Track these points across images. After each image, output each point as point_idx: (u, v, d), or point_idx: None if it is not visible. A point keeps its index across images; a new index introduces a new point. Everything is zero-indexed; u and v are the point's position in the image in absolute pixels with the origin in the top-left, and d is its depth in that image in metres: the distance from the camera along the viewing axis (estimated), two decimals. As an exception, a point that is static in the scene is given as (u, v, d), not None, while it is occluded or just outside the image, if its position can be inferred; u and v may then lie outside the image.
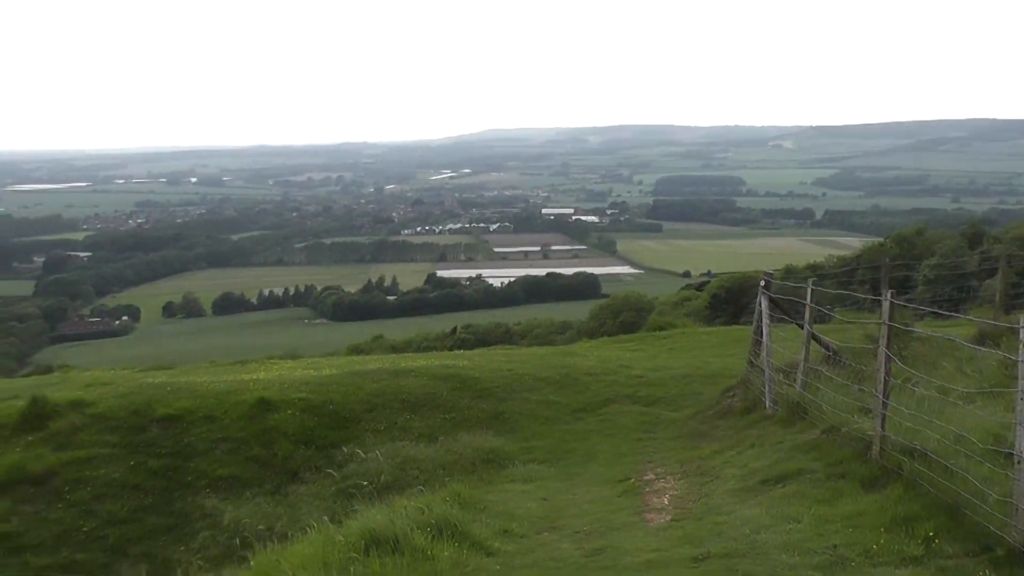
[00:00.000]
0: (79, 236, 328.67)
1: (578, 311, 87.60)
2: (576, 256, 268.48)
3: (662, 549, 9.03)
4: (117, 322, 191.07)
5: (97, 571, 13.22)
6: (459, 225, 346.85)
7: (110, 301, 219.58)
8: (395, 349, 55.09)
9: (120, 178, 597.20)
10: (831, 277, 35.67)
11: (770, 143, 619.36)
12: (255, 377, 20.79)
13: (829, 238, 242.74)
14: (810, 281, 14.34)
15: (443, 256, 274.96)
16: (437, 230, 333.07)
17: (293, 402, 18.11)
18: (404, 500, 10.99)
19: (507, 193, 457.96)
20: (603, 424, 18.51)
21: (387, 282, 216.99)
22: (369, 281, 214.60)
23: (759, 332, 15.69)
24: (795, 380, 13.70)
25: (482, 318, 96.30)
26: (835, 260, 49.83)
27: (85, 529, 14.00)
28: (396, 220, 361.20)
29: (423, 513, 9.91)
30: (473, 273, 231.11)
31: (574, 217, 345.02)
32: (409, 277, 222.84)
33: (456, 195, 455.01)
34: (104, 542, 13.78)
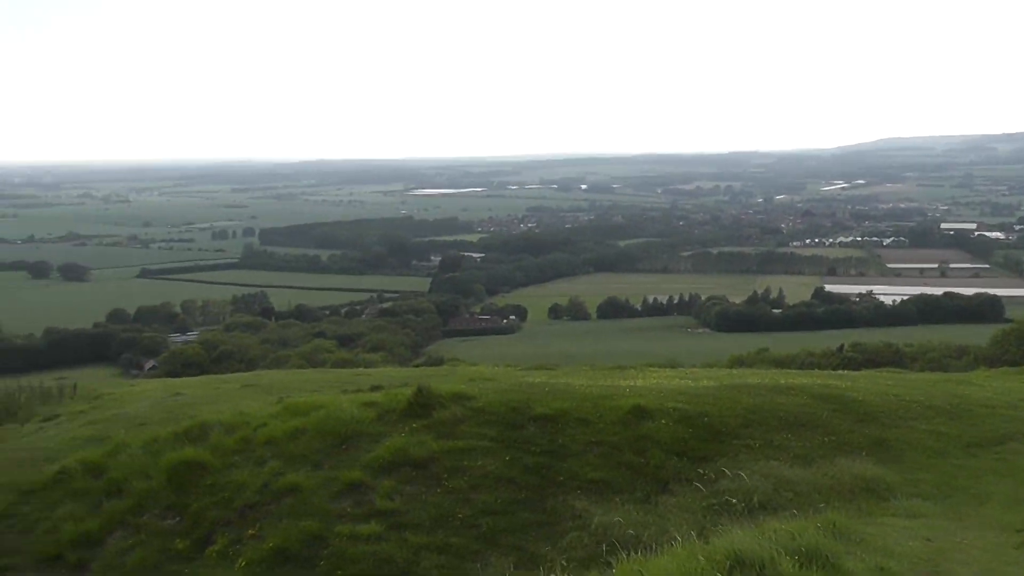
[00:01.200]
0: (473, 238, 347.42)
1: (977, 335, 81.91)
2: (977, 275, 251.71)
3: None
4: (505, 320, 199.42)
5: (469, 556, 13.60)
6: (850, 238, 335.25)
7: (499, 300, 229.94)
8: (778, 364, 53.87)
9: (513, 184, 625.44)
10: None
11: None
12: (632, 383, 20.78)
13: None
14: None
15: (832, 270, 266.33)
16: (827, 243, 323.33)
17: (668, 411, 17.90)
18: (775, 523, 10.49)
19: (902, 206, 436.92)
20: (999, 463, 16.92)
21: (773, 294, 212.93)
22: (754, 292, 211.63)
23: None
24: None
25: (871, 336, 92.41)
26: None
27: (460, 515, 14.47)
28: (784, 231, 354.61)
29: (794, 539, 9.38)
30: (863, 289, 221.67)
31: (976, 233, 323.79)
32: (796, 290, 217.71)
33: (848, 207, 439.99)
34: (477, 530, 14.16)
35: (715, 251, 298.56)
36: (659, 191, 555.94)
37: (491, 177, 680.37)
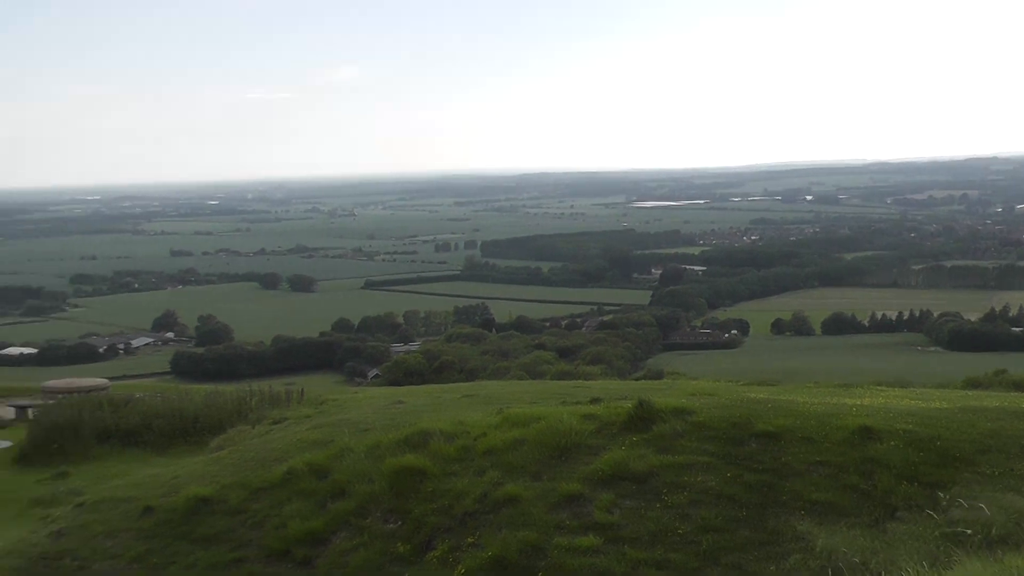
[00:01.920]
0: (695, 251, 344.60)
1: None
2: None
3: None
4: (726, 335, 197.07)
5: (688, 573, 13.38)
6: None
7: (720, 314, 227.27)
8: (1018, 386, 50.96)
9: (736, 196, 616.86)
10: None
11: None
12: (858, 402, 20.03)
13: None
14: None
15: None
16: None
17: (897, 433, 17.12)
18: (1017, 559, 9.85)
19: None
20: None
21: (1012, 311, 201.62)
22: (991, 309, 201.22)
23: None
24: None
25: None
26: None
27: (680, 531, 14.25)
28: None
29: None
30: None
31: None
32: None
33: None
34: (696, 547, 13.92)
35: (948, 264, 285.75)
36: (888, 201, 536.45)
37: (713, 189, 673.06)
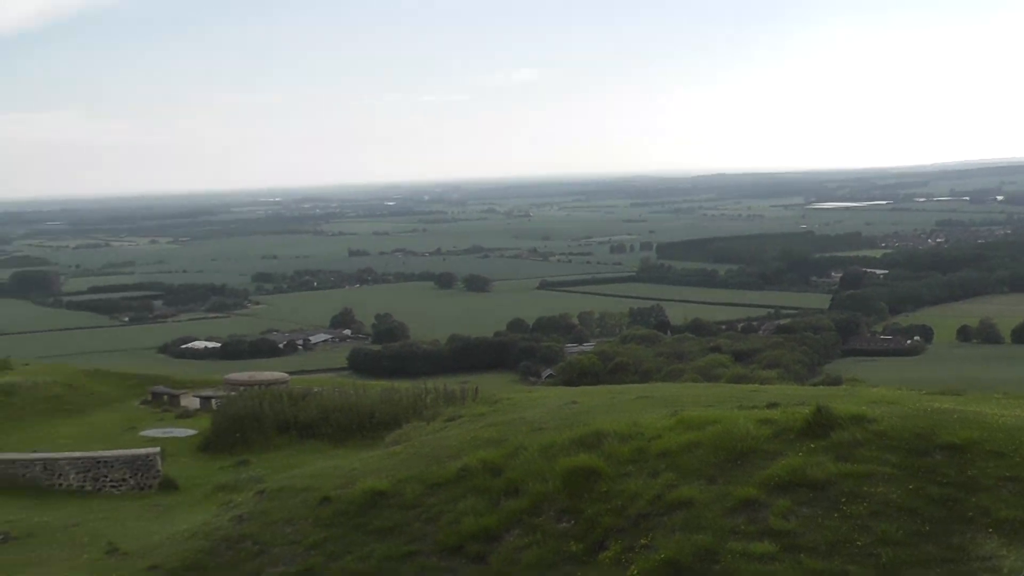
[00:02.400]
0: (876, 253, 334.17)
1: None
2: None
3: None
4: (908, 341, 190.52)
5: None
6: None
7: (903, 320, 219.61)
8: None
9: (921, 196, 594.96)
10: None
11: None
12: (1052, 415, 19.07)
13: None
14: None
15: None
16: None
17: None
18: None
19: None
20: None
21: None
22: None
23: None
24: None
25: None
26: None
27: (859, 543, 13.90)
28: None
29: None
30: None
31: None
32: None
33: None
34: (876, 559, 13.55)
35: None
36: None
37: (897, 189, 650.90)
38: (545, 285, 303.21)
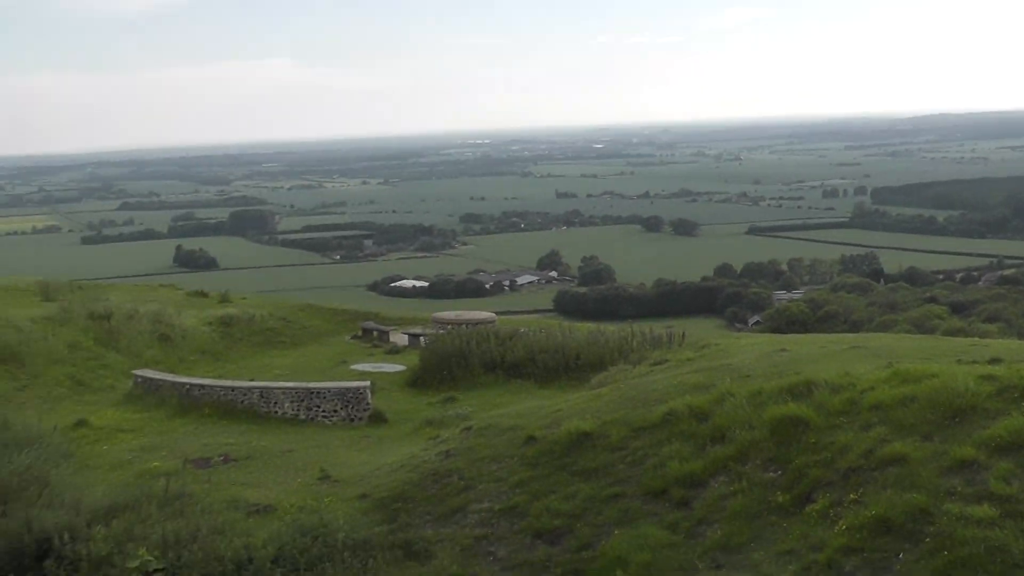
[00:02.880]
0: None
1: None
2: None
3: None
4: None
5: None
6: None
7: None
8: None
9: None
10: None
11: None
12: None
13: None
14: None
15: None
16: None
17: None
18: None
19: None
20: None
21: None
22: None
23: None
24: None
25: None
26: None
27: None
28: None
29: None
30: None
31: None
32: None
33: None
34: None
35: None
36: None
37: None
38: (754, 230, 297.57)
